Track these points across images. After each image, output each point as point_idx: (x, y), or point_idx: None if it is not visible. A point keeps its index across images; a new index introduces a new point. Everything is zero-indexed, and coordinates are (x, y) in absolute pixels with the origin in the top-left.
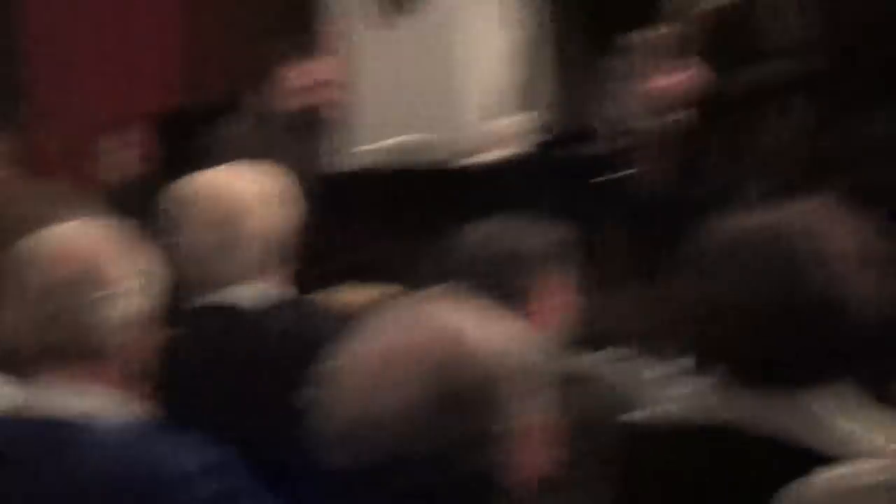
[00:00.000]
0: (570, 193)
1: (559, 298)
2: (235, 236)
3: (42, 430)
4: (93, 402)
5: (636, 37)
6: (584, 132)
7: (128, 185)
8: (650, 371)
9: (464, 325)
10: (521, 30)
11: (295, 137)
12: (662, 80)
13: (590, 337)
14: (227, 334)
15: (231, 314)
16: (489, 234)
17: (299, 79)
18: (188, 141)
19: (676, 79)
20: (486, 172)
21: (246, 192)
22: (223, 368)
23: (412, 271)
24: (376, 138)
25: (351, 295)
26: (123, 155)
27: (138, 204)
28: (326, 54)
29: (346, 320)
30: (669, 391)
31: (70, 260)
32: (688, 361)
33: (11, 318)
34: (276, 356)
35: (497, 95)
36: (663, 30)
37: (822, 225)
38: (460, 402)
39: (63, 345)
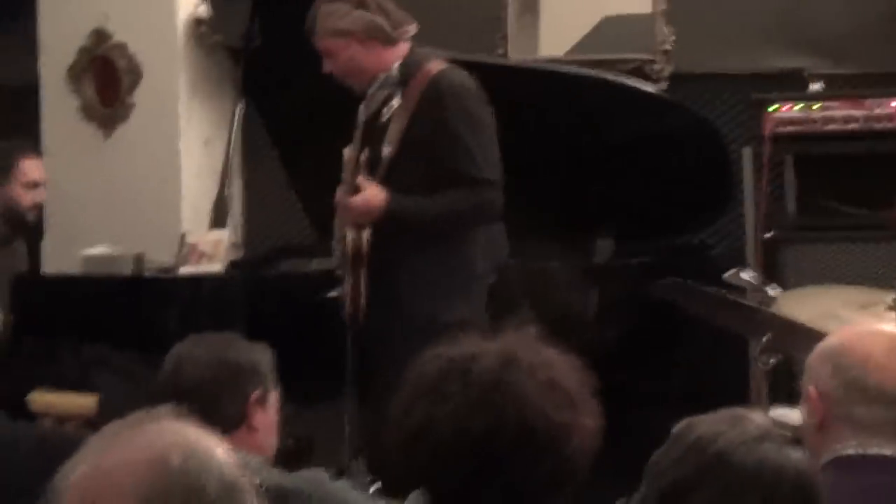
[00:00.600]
0: (267, 312)
1: (273, 414)
2: None
3: None
4: None
5: (346, 152)
6: (281, 250)
7: None
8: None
9: (175, 445)
10: (223, 148)
11: (5, 242)
12: (353, 197)
13: (300, 453)
14: None
15: None
16: (199, 349)
17: (28, 175)
18: None
19: (366, 196)
20: (185, 286)
21: None
22: None
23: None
24: (79, 248)
25: (41, 401)
26: None
27: None
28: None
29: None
30: None
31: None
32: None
33: None
34: (11, 464)
35: (197, 210)
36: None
37: (529, 356)
38: None
39: None
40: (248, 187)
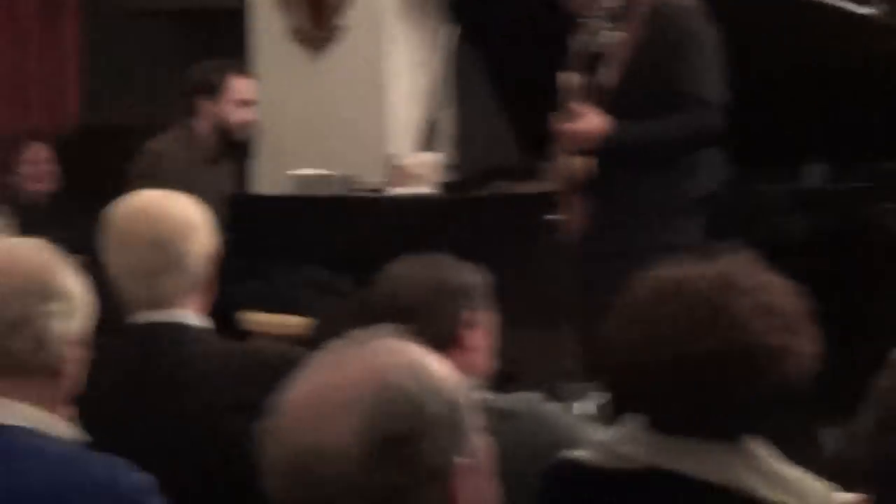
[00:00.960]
0: (478, 233)
1: (486, 336)
2: (178, 257)
3: None
4: (20, 417)
5: (562, 78)
6: (492, 172)
7: (34, 202)
8: (578, 410)
9: (398, 363)
10: (433, 70)
11: (213, 161)
12: (574, 123)
13: (512, 375)
14: (174, 353)
15: (179, 333)
16: (414, 269)
17: (233, 95)
18: (88, 160)
19: (587, 122)
20: (396, 207)
21: (186, 214)
22: (164, 388)
23: (322, 301)
24: (286, 169)
25: (256, 320)
26: (28, 171)
27: (47, 221)
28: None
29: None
30: (596, 432)
31: (13, 273)
32: (608, 404)
33: None
34: (223, 378)
35: (406, 133)
36: (576, 75)
37: (746, 279)
38: (394, 441)
39: (1, 359)
40: (458, 110)
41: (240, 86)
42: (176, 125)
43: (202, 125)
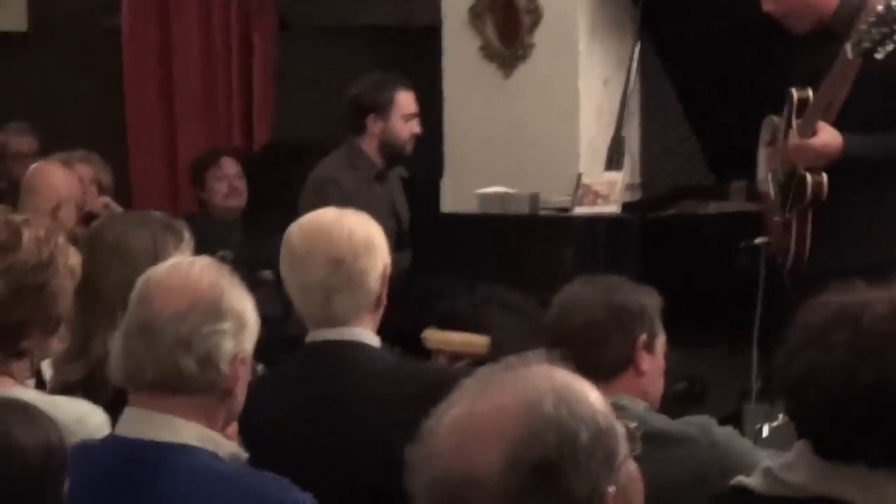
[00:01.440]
0: (663, 254)
1: (659, 359)
2: (356, 275)
3: (137, 457)
4: (187, 435)
5: (795, 95)
6: (680, 191)
7: (224, 217)
8: (749, 435)
9: (548, 390)
10: (620, 88)
11: (381, 178)
12: (808, 139)
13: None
14: (348, 372)
15: (355, 351)
16: (590, 291)
17: (401, 110)
18: (277, 177)
19: (822, 138)
20: (582, 226)
21: (363, 232)
22: (336, 407)
23: (506, 321)
24: (474, 187)
25: (436, 339)
26: (218, 187)
27: (236, 237)
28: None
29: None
30: (767, 457)
31: (185, 291)
32: (786, 426)
33: (125, 347)
34: (396, 397)
35: (594, 151)
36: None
37: None
38: (543, 470)
39: (171, 376)
40: (646, 128)
41: (406, 100)
42: (341, 146)
43: (369, 143)
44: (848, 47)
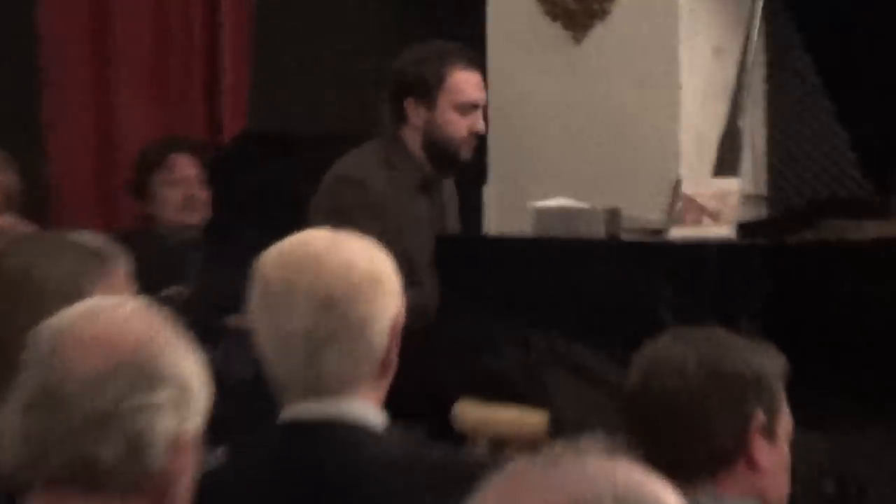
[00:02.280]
0: (796, 296)
1: (783, 447)
2: (355, 324)
3: None
4: None
5: None
6: (821, 207)
7: (175, 237)
8: None
9: (609, 495)
10: (737, 61)
11: (426, 188)
12: None
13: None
14: (343, 464)
15: (351, 435)
16: (687, 349)
17: (456, 96)
18: (254, 182)
19: None
20: (682, 255)
21: (370, 266)
22: None
23: (573, 387)
24: (528, 198)
25: (472, 416)
26: (170, 196)
27: (191, 264)
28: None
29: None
30: None
31: (108, 349)
32: None
33: (22, 422)
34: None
35: (700, 148)
36: None
37: None
38: None
39: (82, 467)
40: (773, 117)
41: (465, 83)
42: (374, 139)
43: (412, 137)
44: None
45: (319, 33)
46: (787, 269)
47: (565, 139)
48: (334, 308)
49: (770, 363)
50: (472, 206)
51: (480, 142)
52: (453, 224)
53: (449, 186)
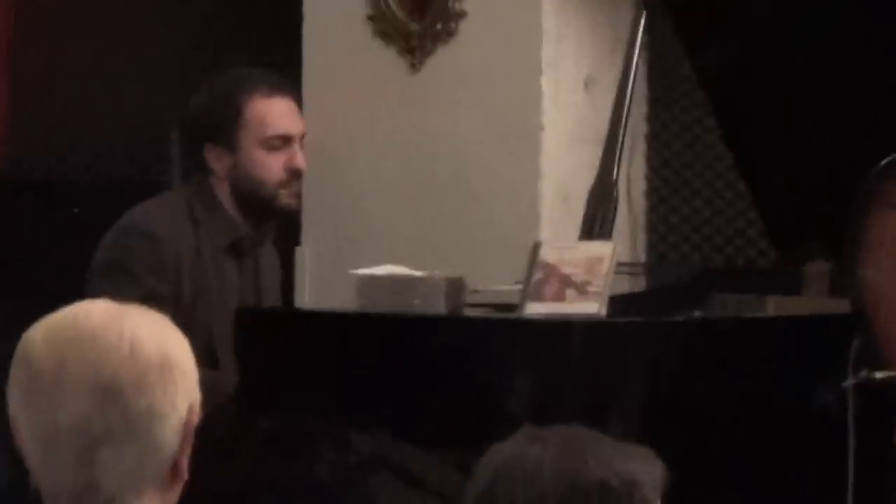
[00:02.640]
0: (680, 387)
1: None
2: (135, 419)
3: None
4: None
5: None
6: (706, 279)
7: None
8: None
9: None
10: (611, 96)
11: (238, 250)
12: None
13: None
14: None
15: None
16: (543, 452)
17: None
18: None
19: None
20: (537, 337)
21: (158, 347)
22: None
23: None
24: (350, 265)
25: None
26: None
27: None
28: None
29: None
30: None
31: None
32: None
33: None
34: None
35: (565, 204)
36: None
37: None
38: None
39: None
40: (656, 167)
41: (269, 113)
42: (178, 188)
43: (221, 187)
44: None
45: (106, 65)
46: (669, 353)
47: (399, 190)
48: (113, 399)
49: (644, 470)
50: (283, 272)
51: None
52: (272, 296)
53: (269, 250)
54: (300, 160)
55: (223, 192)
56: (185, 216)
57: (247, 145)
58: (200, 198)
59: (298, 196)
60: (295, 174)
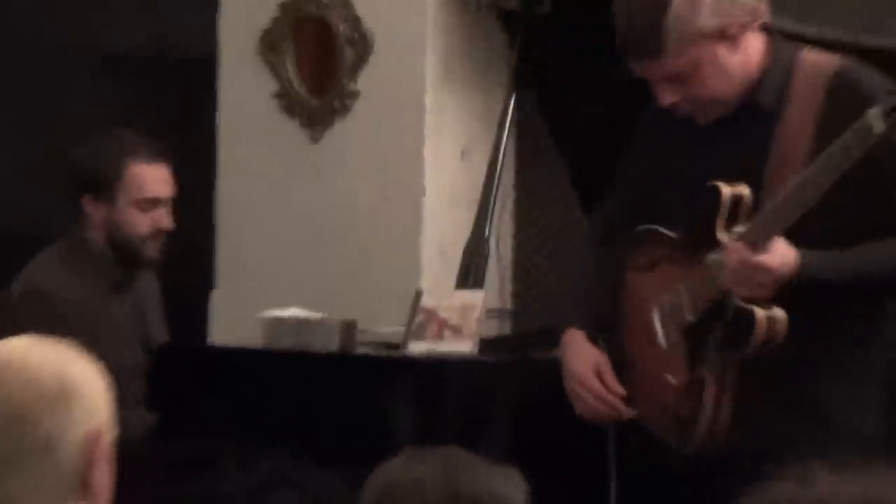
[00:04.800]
0: (543, 418)
1: None
2: (41, 442)
3: None
4: None
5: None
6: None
7: None
8: None
9: None
10: (485, 164)
11: (117, 289)
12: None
13: None
14: None
15: None
16: (421, 472)
17: (135, 192)
18: None
19: (774, 255)
20: (418, 373)
21: (62, 373)
22: None
23: None
24: (256, 308)
25: None
26: None
27: None
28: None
29: None
30: None
31: None
32: None
33: None
34: None
35: (443, 256)
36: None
37: None
38: None
39: None
40: (522, 226)
41: (145, 178)
42: (56, 241)
43: (97, 234)
44: (875, 114)
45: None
46: (532, 386)
47: (301, 244)
48: (17, 426)
49: (512, 487)
50: (197, 315)
51: (210, 244)
52: (157, 322)
53: (148, 281)
54: (166, 221)
55: (98, 240)
56: (65, 265)
57: (122, 203)
58: (75, 249)
59: (160, 249)
60: (160, 232)
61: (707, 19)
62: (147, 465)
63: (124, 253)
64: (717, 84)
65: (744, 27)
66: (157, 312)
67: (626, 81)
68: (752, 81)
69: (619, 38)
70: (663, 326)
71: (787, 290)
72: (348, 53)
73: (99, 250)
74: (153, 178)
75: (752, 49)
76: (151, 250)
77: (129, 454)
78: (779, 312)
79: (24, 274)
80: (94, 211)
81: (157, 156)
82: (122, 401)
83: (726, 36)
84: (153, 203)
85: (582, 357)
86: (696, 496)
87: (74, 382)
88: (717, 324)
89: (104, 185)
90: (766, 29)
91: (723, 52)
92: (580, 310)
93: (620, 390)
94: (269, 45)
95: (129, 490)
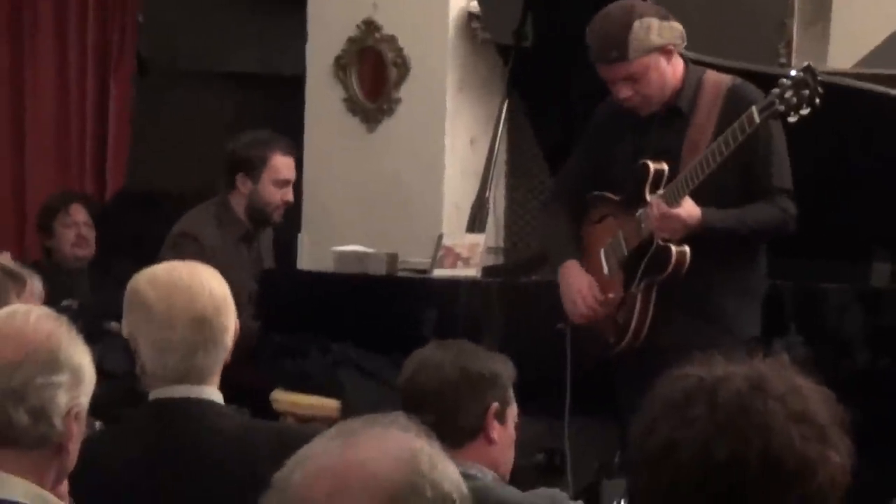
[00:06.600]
0: (523, 321)
1: (511, 429)
2: (217, 333)
3: None
4: (14, 492)
5: (652, 166)
6: (541, 259)
7: (72, 267)
8: None
9: (390, 457)
10: (489, 147)
11: (248, 240)
12: (671, 208)
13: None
14: (200, 430)
15: (206, 409)
16: (441, 355)
17: (273, 174)
18: (129, 227)
19: (686, 208)
20: (437, 289)
21: (221, 289)
22: (186, 465)
23: (359, 383)
24: (333, 244)
25: (284, 401)
26: (66, 235)
27: (84, 287)
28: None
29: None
30: None
31: (19, 342)
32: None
33: None
34: (247, 456)
35: (458, 212)
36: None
37: (779, 383)
38: None
39: (0, 428)
40: (512, 191)
41: (281, 165)
42: (210, 200)
43: (238, 201)
44: (755, 111)
45: (192, 117)
46: (517, 300)
47: (360, 203)
48: (205, 323)
49: (504, 368)
50: (289, 250)
51: (297, 201)
52: (269, 262)
53: (266, 237)
54: (290, 196)
55: (238, 204)
56: (214, 219)
57: (265, 181)
58: (223, 208)
59: (282, 215)
60: (285, 203)
61: (656, 38)
62: (258, 351)
63: (259, 217)
64: (658, 86)
65: (676, 48)
66: (270, 255)
67: (583, 94)
68: (676, 90)
69: (593, 48)
70: (607, 260)
71: (693, 234)
72: (393, 72)
73: (239, 212)
74: (287, 165)
75: (678, 66)
76: (277, 216)
77: (247, 345)
78: (687, 249)
79: (183, 220)
80: (242, 185)
81: (290, 149)
82: (242, 313)
83: (666, 52)
84: (286, 183)
85: (580, 279)
86: (627, 379)
87: (228, 295)
88: (644, 257)
89: (254, 167)
90: (681, 55)
91: (663, 63)
92: (572, 247)
93: (603, 300)
94: (341, 66)
95: (245, 368)
